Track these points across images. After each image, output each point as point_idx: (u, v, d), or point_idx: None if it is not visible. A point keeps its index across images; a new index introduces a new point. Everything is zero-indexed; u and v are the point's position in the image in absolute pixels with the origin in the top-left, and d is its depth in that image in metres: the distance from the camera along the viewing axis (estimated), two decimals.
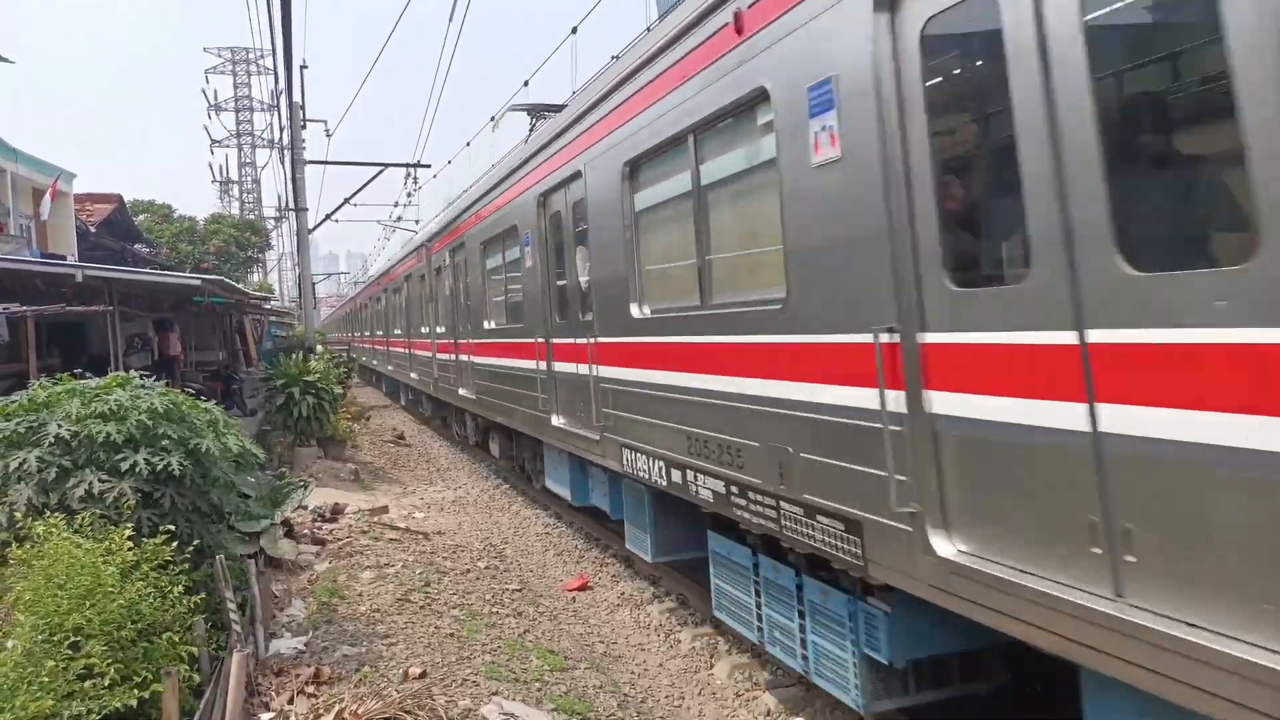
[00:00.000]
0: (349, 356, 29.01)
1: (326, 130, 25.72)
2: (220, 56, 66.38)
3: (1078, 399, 3.05)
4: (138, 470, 5.45)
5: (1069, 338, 3.08)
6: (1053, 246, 3.10)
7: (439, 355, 16.46)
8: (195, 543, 5.50)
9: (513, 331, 10.68)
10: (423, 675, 5.72)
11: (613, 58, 10.91)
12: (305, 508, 9.35)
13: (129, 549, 4.83)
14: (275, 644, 6.18)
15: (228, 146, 65.13)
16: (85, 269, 12.69)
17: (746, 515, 5.21)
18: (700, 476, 5.75)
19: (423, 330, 18.12)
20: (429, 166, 27.31)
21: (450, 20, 15.35)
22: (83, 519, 5.07)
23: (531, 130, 11.85)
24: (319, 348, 21.12)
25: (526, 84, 19.48)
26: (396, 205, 35.63)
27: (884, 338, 3.84)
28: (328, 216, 27.21)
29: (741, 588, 5.78)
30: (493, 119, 22.91)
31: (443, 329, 16.14)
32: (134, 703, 4.14)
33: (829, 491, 4.41)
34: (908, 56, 3.70)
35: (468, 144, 26.90)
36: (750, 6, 4.78)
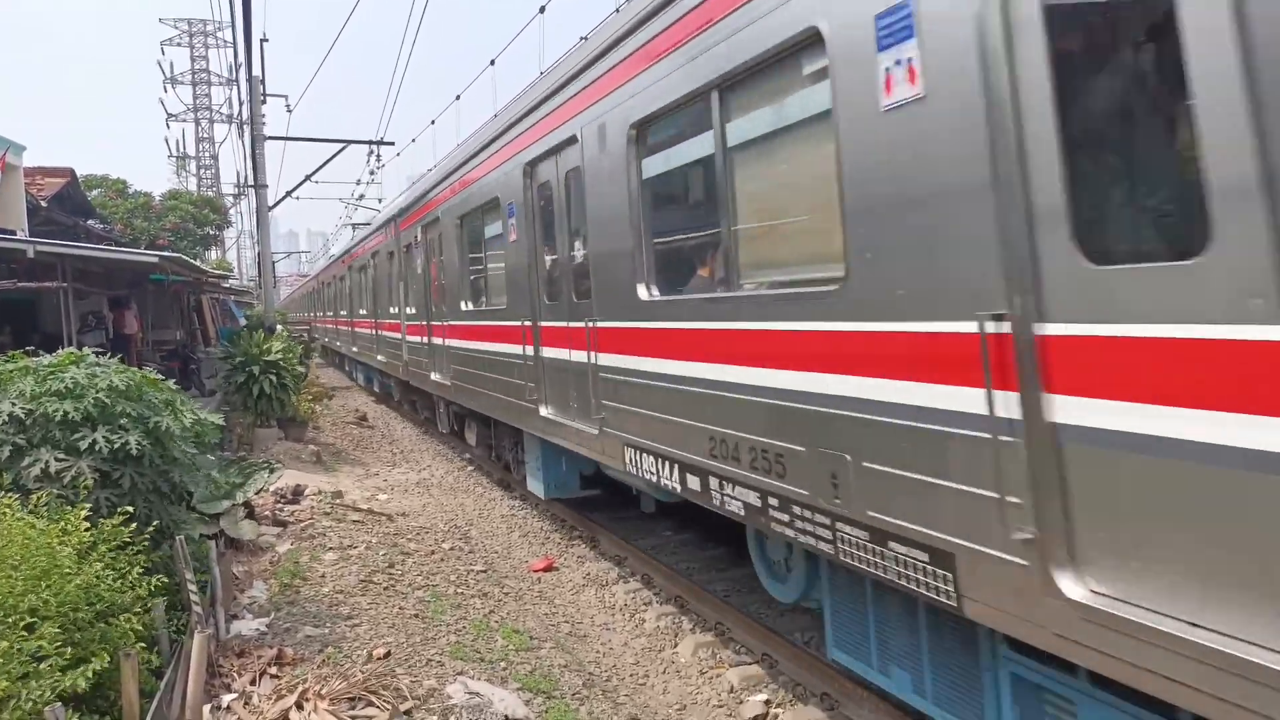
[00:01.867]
0: (309, 336, 28.72)
1: (287, 105, 25.24)
2: (176, 28, 64.69)
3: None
4: (96, 449, 5.35)
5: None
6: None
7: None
8: (154, 523, 5.42)
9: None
10: (387, 656, 5.72)
11: (581, 39, 10.83)
12: (267, 490, 9.24)
13: (86, 529, 4.75)
14: (237, 625, 6.13)
15: (184, 121, 63.60)
16: (37, 244, 12.36)
17: None
18: None
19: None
20: (392, 144, 27.09)
21: None
22: (38, 499, 4.97)
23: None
24: (279, 327, 20.81)
25: (493, 63, 19.29)
26: (359, 183, 35.14)
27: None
28: (288, 194, 26.69)
29: None
30: (457, 97, 22.66)
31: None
32: (84, 683, 4.07)
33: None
34: None
35: (432, 122, 26.61)
36: None
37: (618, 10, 6.87)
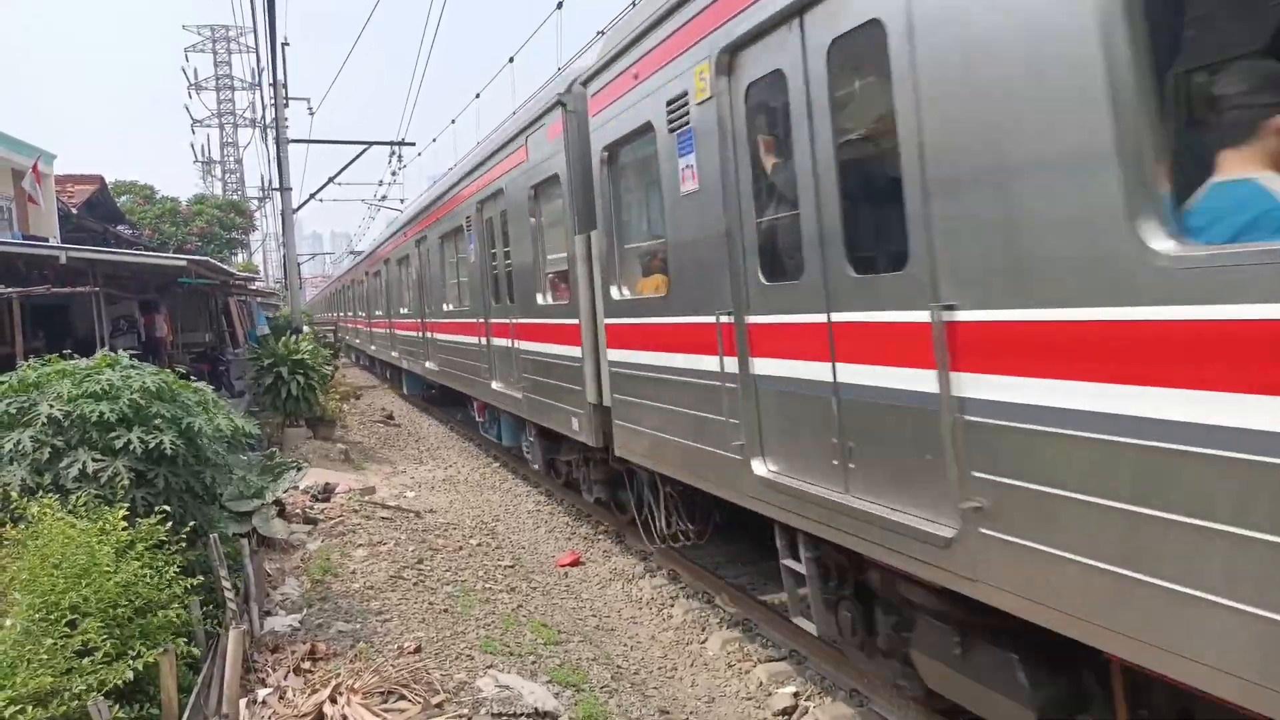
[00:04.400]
0: (335, 336, 29.06)
1: (309, 108, 25.55)
2: (200, 34, 65.39)
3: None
4: (131, 448, 5.46)
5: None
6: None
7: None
8: (191, 524, 5.52)
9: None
10: (418, 650, 5.78)
11: (599, 33, 10.83)
12: (297, 488, 9.36)
13: (123, 528, 4.85)
14: (270, 621, 6.23)
15: (209, 126, 64.32)
16: (69, 250, 12.58)
17: None
18: None
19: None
20: (414, 145, 27.36)
21: None
22: (77, 499, 5.08)
23: None
24: (305, 328, 21.04)
25: (511, 60, 19.34)
26: (381, 184, 35.48)
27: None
28: (312, 196, 27.08)
29: None
30: (477, 95, 22.75)
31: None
32: (130, 675, 4.17)
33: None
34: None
35: (453, 121, 26.76)
36: None
37: (634, 3, 7.40)
